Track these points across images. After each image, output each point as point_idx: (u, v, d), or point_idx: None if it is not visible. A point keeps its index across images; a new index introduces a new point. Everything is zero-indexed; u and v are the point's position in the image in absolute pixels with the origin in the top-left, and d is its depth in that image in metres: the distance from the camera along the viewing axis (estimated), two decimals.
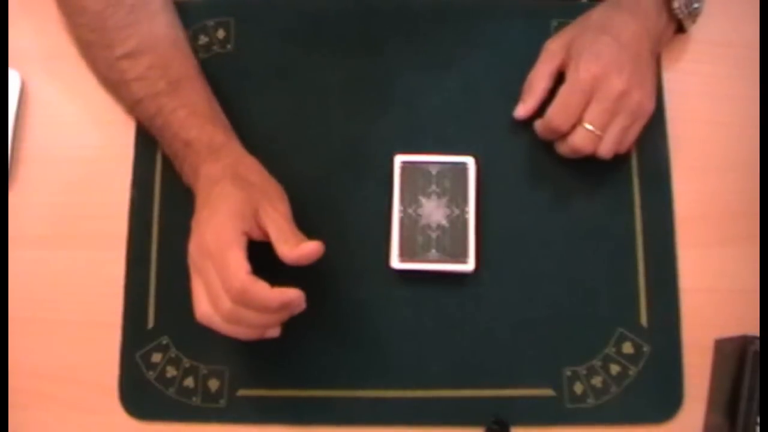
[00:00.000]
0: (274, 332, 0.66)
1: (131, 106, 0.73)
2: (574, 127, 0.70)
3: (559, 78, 0.73)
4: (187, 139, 0.69)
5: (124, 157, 0.76)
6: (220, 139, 0.70)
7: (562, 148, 0.73)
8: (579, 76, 0.69)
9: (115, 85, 0.73)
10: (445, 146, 0.74)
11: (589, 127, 0.70)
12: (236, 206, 0.65)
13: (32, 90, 0.78)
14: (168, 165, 0.75)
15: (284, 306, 0.63)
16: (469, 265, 0.71)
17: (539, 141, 0.75)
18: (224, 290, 0.62)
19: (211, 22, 0.79)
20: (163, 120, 0.70)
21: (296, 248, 0.63)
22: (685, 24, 0.75)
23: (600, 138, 0.70)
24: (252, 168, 0.69)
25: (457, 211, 0.72)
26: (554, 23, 0.78)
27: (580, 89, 0.69)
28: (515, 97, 0.76)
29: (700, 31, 0.78)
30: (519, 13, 0.79)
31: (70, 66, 0.77)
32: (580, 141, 0.70)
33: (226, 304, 0.62)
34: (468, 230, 0.71)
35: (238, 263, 0.62)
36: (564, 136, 0.72)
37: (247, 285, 0.61)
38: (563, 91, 0.71)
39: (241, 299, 0.61)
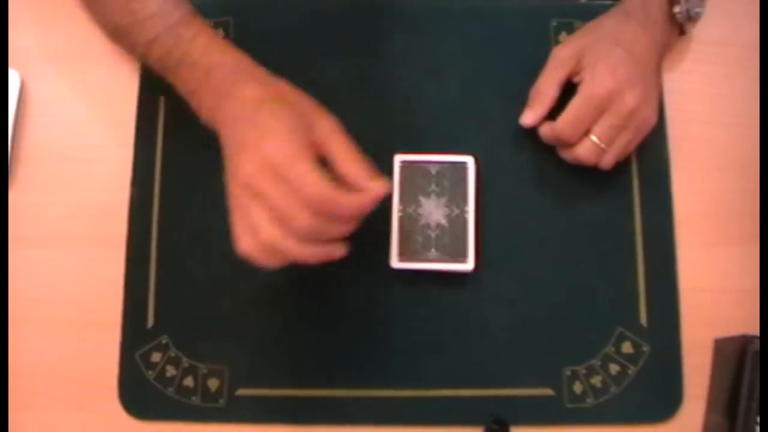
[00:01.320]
0: (341, 250, 0.63)
1: (146, 46, 0.70)
2: (580, 138, 0.71)
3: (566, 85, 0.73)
4: (209, 65, 0.67)
5: (124, 157, 0.76)
6: (249, 61, 0.68)
7: (565, 155, 0.73)
8: (594, 90, 0.69)
9: (126, 29, 0.70)
10: (445, 146, 0.74)
11: (596, 140, 0.70)
12: (292, 122, 0.62)
13: (32, 90, 0.78)
14: (168, 165, 0.75)
15: (372, 202, 0.61)
16: (468, 265, 0.71)
17: (539, 141, 0.74)
18: (302, 204, 0.58)
19: (211, 22, 0.79)
20: (181, 51, 0.68)
21: (370, 181, 0.61)
22: (685, 27, 0.75)
23: (604, 151, 0.70)
24: (291, 89, 0.67)
25: (456, 211, 0.72)
26: (554, 23, 0.79)
27: (594, 104, 0.69)
28: (515, 97, 0.75)
29: (700, 31, 0.78)
30: (519, 13, 0.79)
31: (70, 66, 0.78)
32: (585, 153, 0.70)
33: (305, 219, 0.58)
34: (467, 230, 0.71)
35: (315, 173, 0.59)
36: (569, 144, 0.72)
37: (332, 192, 0.59)
38: (576, 103, 0.70)
39: (325, 208, 0.59)
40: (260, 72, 0.67)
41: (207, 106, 0.67)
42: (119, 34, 0.72)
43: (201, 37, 0.68)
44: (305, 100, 0.66)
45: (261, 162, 0.60)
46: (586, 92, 0.70)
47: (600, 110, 0.69)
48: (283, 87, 0.66)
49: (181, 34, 0.68)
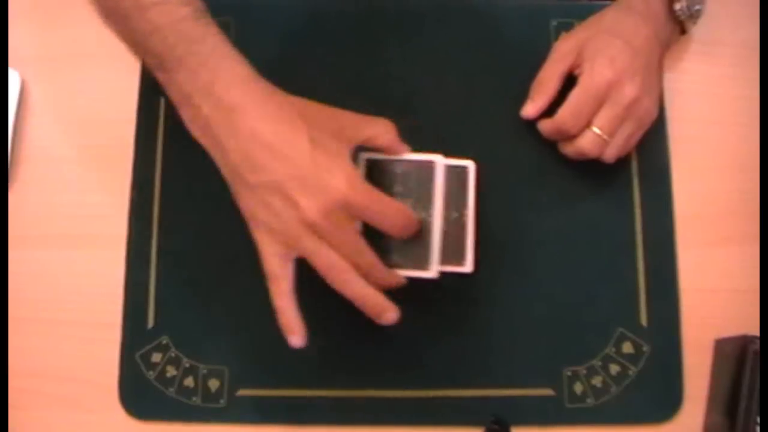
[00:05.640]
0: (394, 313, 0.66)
1: (144, 36, 0.64)
2: (582, 129, 0.71)
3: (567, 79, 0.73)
4: (216, 70, 0.63)
5: (124, 157, 0.76)
6: (258, 76, 0.66)
7: (568, 149, 0.73)
8: (593, 81, 0.69)
9: (126, 12, 0.63)
10: (445, 147, 0.74)
11: (598, 131, 0.70)
12: (344, 150, 0.65)
13: (32, 90, 0.78)
14: (168, 165, 0.75)
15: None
16: (466, 268, 0.70)
17: (539, 141, 0.75)
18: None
19: None
20: (182, 51, 0.63)
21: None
22: (686, 25, 0.75)
23: (607, 143, 0.70)
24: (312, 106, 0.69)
25: (455, 214, 0.71)
26: (554, 23, 0.79)
27: (594, 94, 0.69)
28: (515, 97, 0.75)
29: (700, 31, 0.78)
30: (519, 13, 0.79)
31: (70, 66, 0.78)
32: (588, 144, 0.70)
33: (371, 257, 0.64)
34: (466, 233, 0.71)
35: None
36: (570, 137, 0.72)
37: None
38: (576, 94, 0.70)
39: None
40: (275, 90, 0.66)
41: (205, 116, 0.63)
42: (118, 17, 0.65)
43: (210, 39, 0.64)
44: (333, 113, 0.67)
45: (329, 202, 0.61)
46: (585, 83, 0.70)
47: (600, 100, 0.69)
48: (301, 105, 0.66)
49: (186, 32, 0.63)
